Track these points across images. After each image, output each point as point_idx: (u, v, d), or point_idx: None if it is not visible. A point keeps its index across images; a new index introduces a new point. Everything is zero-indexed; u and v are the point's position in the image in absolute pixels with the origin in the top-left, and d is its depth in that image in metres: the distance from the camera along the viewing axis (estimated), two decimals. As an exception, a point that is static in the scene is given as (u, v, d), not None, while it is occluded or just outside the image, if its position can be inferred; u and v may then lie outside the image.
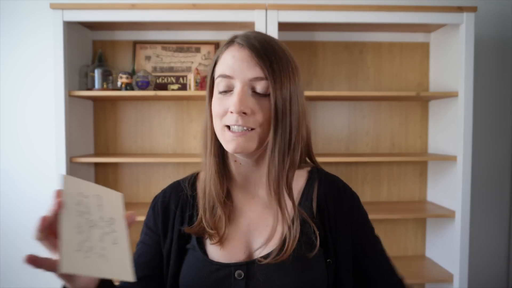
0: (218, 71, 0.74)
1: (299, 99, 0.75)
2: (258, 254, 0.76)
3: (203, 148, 0.81)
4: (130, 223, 0.61)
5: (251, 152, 0.74)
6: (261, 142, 0.74)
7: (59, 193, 0.55)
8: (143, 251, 0.82)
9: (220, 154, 0.80)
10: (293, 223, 0.75)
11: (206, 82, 0.80)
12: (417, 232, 2.09)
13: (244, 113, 0.70)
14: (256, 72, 0.71)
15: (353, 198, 0.84)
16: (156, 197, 0.87)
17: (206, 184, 0.80)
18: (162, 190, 0.87)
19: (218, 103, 0.73)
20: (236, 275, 0.74)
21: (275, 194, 0.75)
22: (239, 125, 0.71)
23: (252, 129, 0.72)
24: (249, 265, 0.75)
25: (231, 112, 0.70)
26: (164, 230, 0.82)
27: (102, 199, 0.58)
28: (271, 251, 0.74)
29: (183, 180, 0.88)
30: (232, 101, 0.71)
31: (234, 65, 0.71)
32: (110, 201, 0.59)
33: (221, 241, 0.77)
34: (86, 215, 0.54)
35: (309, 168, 0.86)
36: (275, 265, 0.73)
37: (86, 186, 0.58)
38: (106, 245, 0.53)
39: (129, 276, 0.52)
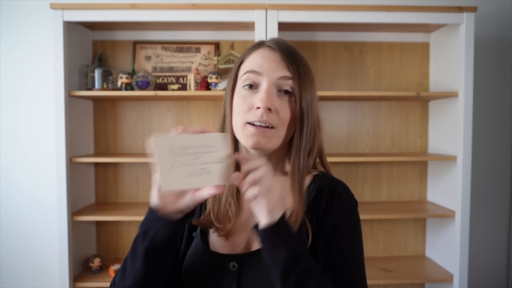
0: (246, 68, 0.78)
1: (316, 105, 0.81)
2: (255, 247, 0.78)
3: None
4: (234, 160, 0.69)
5: (269, 150, 0.78)
6: (279, 142, 0.77)
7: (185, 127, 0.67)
8: None
9: (235, 151, 0.84)
10: None
11: (228, 82, 0.83)
12: (417, 232, 2.09)
13: (270, 109, 0.74)
14: (285, 72, 0.76)
15: (347, 203, 0.81)
16: None
17: None
18: None
19: (242, 101, 0.77)
20: (230, 266, 0.76)
21: (299, 190, 0.77)
22: (262, 121, 0.74)
23: (272, 127, 0.75)
24: (244, 257, 0.77)
25: (257, 108, 0.74)
26: None
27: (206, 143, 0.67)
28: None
29: None
30: (259, 97, 0.74)
31: (264, 64, 0.76)
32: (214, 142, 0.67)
33: (227, 235, 0.80)
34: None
35: (316, 172, 0.86)
36: None
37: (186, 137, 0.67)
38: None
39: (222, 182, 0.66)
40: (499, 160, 2.09)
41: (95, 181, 2.00)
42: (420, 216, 1.86)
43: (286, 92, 0.76)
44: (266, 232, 0.66)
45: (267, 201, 0.65)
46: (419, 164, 2.07)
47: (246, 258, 0.77)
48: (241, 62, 0.81)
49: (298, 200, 0.76)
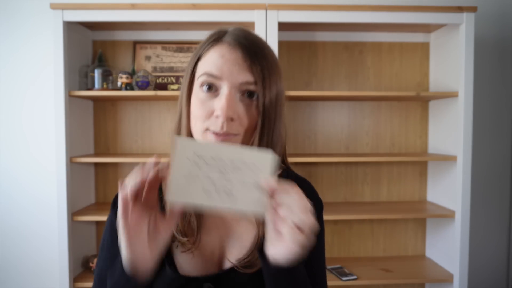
0: (203, 68, 0.68)
1: (283, 101, 0.72)
2: (229, 264, 0.72)
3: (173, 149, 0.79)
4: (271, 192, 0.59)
5: None
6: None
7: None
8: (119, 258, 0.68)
9: None
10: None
11: (184, 79, 0.73)
12: (417, 232, 2.09)
13: (232, 119, 0.65)
14: (247, 76, 0.66)
15: (315, 204, 0.76)
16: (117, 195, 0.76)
17: None
18: None
19: (200, 105, 0.67)
20: None
21: None
22: (223, 132, 0.66)
23: (235, 134, 0.67)
24: (218, 277, 0.71)
25: (217, 117, 0.65)
26: None
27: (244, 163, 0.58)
28: (241, 260, 0.71)
29: None
30: (219, 104, 0.65)
31: (224, 66, 0.66)
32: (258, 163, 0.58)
33: (192, 250, 0.72)
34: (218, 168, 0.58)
35: (279, 171, 0.77)
36: (244, 275, 0.70)
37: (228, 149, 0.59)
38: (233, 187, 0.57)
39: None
40: (499, 160, 2.09)
41: (95, 181, 2.00)
42: (420, 216, 1.86)
43: (250, 94, 0.67)
44: (280, 273, 0.61)
45: (287, 245, 0.57)
46: (419, 164, 2.07)
47: (221, 278, 0.70)
48: (198, 58, 0.70)
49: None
